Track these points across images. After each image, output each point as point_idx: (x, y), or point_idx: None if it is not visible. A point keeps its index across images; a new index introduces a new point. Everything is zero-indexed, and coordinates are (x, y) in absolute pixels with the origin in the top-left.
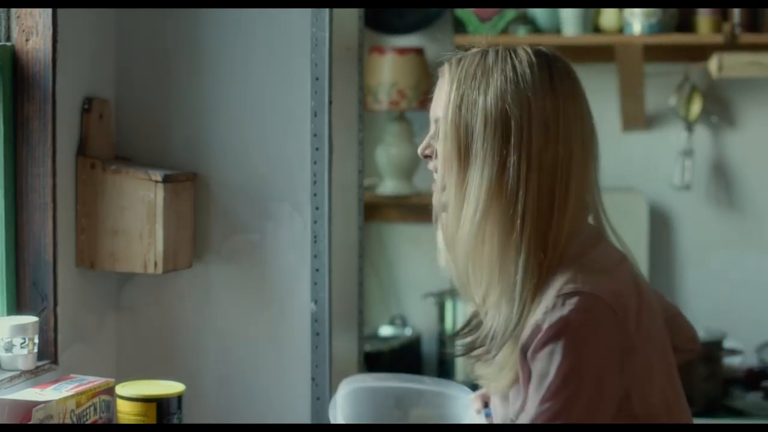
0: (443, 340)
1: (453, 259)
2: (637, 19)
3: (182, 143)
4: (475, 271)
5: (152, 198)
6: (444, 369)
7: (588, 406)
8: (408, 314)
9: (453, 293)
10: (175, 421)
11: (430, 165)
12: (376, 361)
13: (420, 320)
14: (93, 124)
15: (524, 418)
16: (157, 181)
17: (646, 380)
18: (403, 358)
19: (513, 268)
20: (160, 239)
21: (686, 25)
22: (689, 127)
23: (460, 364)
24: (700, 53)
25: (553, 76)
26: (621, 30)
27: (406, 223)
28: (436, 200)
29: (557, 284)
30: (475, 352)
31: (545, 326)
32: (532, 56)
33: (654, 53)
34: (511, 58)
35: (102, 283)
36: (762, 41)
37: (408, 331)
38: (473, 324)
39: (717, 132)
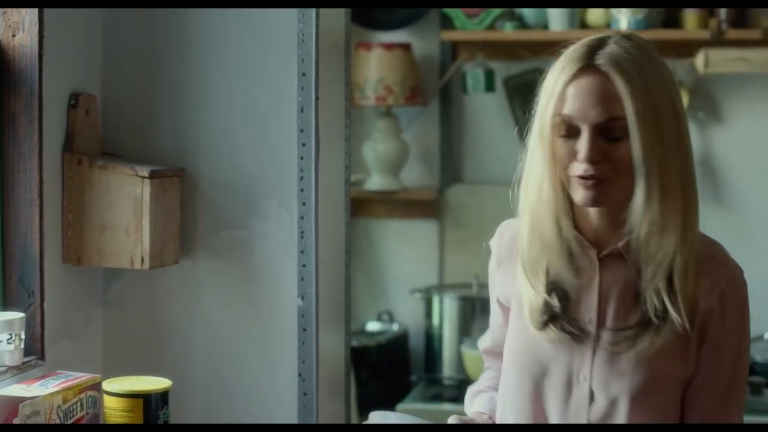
0: (430, 335)
1: (659, 239)
2: (623, 15)
3: (169, 139)
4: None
5: (139, 194)
6: (431, 365)
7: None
8: (395, 310)
9: (440, 288)
10: (162, 416)
11: (596, 170)
12: (363, 356)
13: (407, 316)
14: (80, 120)
15: (726, 367)
16: (143, 177)
17: None
18: (390, 353)
19: (689, 246)
20: (146, 235)
21: (673, 21)
22: None
23: (447, 359)
24: (686, 49)
25: (666, 64)
26: (608, 26)
27: (393, 218)
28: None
29: (713, 253)
30: (628, 333)
31: (733, 296)
32: (650, 46)
33: None
34: (644, 49)
35: (89, 279)
36: (748, 37)
37: (395, 327)
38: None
39: (703, 128)
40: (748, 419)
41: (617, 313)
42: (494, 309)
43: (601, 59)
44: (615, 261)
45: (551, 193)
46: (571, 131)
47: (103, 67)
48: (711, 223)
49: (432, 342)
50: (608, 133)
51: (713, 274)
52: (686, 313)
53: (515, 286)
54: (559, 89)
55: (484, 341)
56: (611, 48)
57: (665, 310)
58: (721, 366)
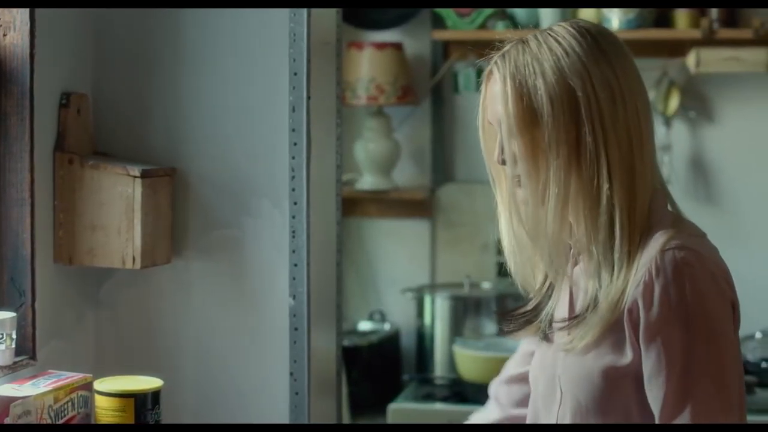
0: (422, 334)
1: (541, 247)
2: (615, 14)
3: (161, 138)
4: (560, 249)
5: (130, 193)
6: (422, 364)
7: (732, 343)
8: (387, 309)
9: (432, 288)
10: (154, 416)
11: (509, 170)
12: (354, 356)
13: (398, 315)
14: (71, 119)
15: (677, 366)
16: (135, 177)
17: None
18: (382, 353)
19: (607, 234)
20: (138, 234)
21: (664, 20)
22: (667, 122)
23: (439, 359)
24: (678, 48)
25: (598, 41)
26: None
27: (384, 218)
28: (515, 197)
29: (657, 242)
30: (560, 325)
31: (660, 283)
32: (571, 29)
33: (632, 48)
34: (553, 36)
35: (80, 279)
36: (740, 36)
37: (386, 326)
38: (533, 305)
39: (695, 127)
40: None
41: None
42: None
43: (498, 62)
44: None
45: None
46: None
47: (94, 67)
48: (702, 221)
49: (424, 341)
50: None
51: (645, 260)
52: (612, 301)
53: None
54: (482, 96)
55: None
56: (513, 50)
57: (596, 299)
58: (663, 355)
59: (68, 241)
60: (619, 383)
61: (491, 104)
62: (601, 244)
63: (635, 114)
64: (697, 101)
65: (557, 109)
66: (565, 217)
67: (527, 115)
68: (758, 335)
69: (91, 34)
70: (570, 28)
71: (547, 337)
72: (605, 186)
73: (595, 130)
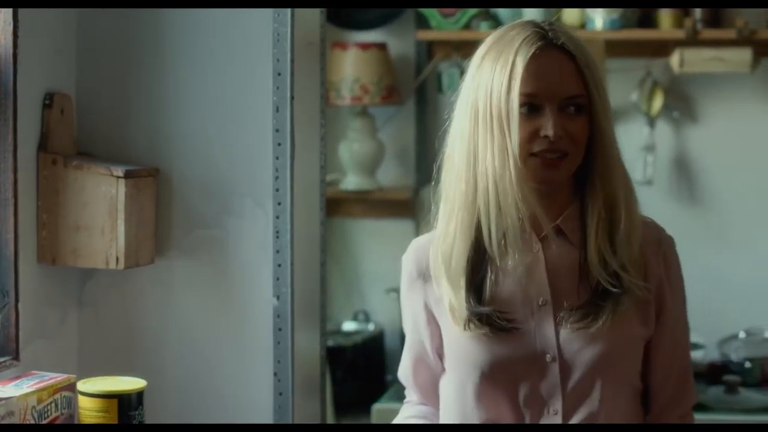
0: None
1: (611, 210)
2: (598, 15)
3: (144, 139)
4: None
5: (114, 193)
6: None
7: None
8: (371, 309)
9: None
10: (137, 417)
11: (560, 144)
12: (338, 356)
13: (383, 315)
14: (54, 120)
15: (681, 324)
16: (118, 177)
17: None
18: (366, 353)
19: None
20: (121, 235)
21: (648, 20)
22: (651, 122)
23: None
24: (661, 49)
25: None
26: (583, 25)
27: (368, 218)
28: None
29: (654, 228)
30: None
31: (673, 265)
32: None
33: (616, 48)
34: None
35: (63, 279)
36: (723, 37)
37: (371, 327)
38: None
39: (678, 127)
40: (725, 418)
41: (570, 289)
42: (424, 333)
43: (561, 38)
44: (555, 239)
45: (508, 176)
46: (532, 109)
47: (77, 67)
48: (686, 222)
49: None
50: (567, 110)
51: (652, 237)
52: (640, 276)
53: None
54: (520, 69)
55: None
56: (563, 29)
57: (618, 277)
58: (676, 329)
59: (51, 242)
60: (635, 350)
61: (554, 76)
62: (629, 216)
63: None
64: (681, 101)
65: (604, 95)
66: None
67: (605, 94)
68: (742, 335)
69: (75, 34)
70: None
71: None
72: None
73: (611, 125)
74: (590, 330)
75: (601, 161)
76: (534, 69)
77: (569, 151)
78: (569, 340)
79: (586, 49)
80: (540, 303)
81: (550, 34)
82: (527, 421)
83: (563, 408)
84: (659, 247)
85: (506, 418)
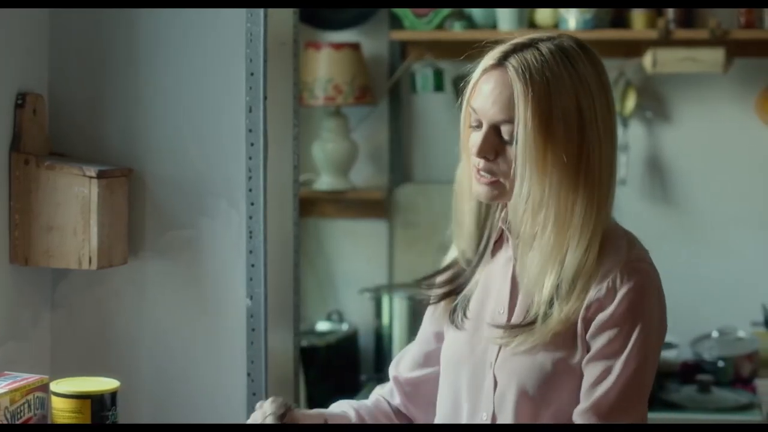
0: (380, 334)
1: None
2: (572, 15)
3: (117, 139)
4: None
5: (86, 194)
6: (380, 364)
7: (654, 365)
8: (344, 310)
9: (389, 288)
10: (110, 417)
11: (484, 165)
12: (312, 356)
13: (356, 315)
14: (27, 120)
15: (616, 372)
16: (91, 177)
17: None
18: (340, 353)
19: (583, 249)
20: (94, 235)
21: (621, 20)
22: (624, 122)
23: None
24: (634, 49)
25: (592, 55)
26: (556, 25)
27: (342, 218)
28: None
29: (619, 256)
30: (508, 332)
31: (621, 293)
32: (580, 51)
33: None
34: (566, 55)
35: (36, 280)
36: (696, 37)
37: (344, 327)
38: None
39: (652, 127)
40: (698, 417)
41: (513, 304)
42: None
43: (512, 62)
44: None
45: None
46: (478, 124)
47: (50, 67)
48: (659, 221)
49: (382, 341)
50: (502, 134)
51: (607, 267)
52: (567, 317)
53: None
54: (473, 81)
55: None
56: (528, 53)
57: (546, 313)
58: (605, 348)
59: (24, 242)
60: (569, 375)
61: (491, 96)
62: (576, 257)
63: (612, 142)
64: (654, 101)
65: (569, 127)
66: (557, 227)
67: (543, 125)
68: (715, 334)
69: (47, 34)
70: (578, 50)
71: (456, 325)
72: (584, 203)
73: (593, 148)
74: (507, 347)
75: (517, 193)
76: (479, 86)
77: (499, 175)
78: (503, 356)
79: (543, 80)
80: (499, 312)
81: (512, 56)
82: (464, 413)
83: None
84: (606, 277)
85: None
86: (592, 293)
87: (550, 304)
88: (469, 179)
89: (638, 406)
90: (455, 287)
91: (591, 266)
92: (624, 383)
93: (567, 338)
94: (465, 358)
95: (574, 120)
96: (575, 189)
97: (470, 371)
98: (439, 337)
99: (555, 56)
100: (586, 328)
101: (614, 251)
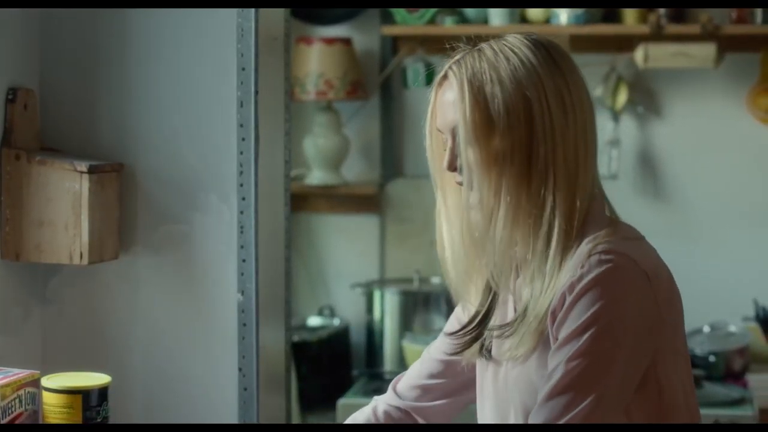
0: (371, 329)
1: (488, 255)
2: (563, 10)
3: (108, 134)
4: (506, 258)
5: (78, 189)
6: (372, 359)
7: (618, 364)
8: (336, 304)
9: (381, 283)
10: (102, 413)
11: (465, 177)
12: (304, 351)
13: (348, 310)
14: (18, 115)
15: (555, 376)
16: (82, 172)
17: (671, 359)
18: (331, 348)
19: (545, 243)
20: (85, 230)
21: (612, 15)
22: (615, 117)
23: (388, 354)
24: (626, 44)
25: (552, 54)
26: (548, 20)
27: (334, 213)
28: (467, 203)
29: (586, 247)
30: (496, 333)
31: (580, 285)
32: (526, 41)
33: (580, 43)
34: (508, 46)
35: (27, 275)
36: (687, 32)
37: (336, 322)
38: (478, 320)
39: (643, 122)
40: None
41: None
42: None
43: (453, 69)
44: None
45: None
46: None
47: (41, 62)
48: (650, 216)
49: (373, 337)
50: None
51: (572, 264)
52: (540, 311)
53: None
54: (430, 105)
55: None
56: (469, 56)
57: (525, 309)
58: (560, 342)
59: (15, 237)
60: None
61: (443, 111)
62: (538, 254)
63: (583, 127)
64: (645, 96)
65: (513, 119)
66: (514, 226)
67: (484, 122)
68: (706, 329)
69: (38, 29)
70: (525, 40)
71: (490, 354)
72: (549, 197)
73: (547, 142)
74: (508, 357)
75: (465, 194)
76: (436, 108)
77: (472, 180)
78: (508, 377)
79: (480, 77)
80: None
81: (452, 66)
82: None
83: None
84: (569, 279)
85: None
86: (559, 286)
87: (526, 307)
88: (461, 216)
89: (584, 406)
90: (480, 329)
91: (556, 260)
92: (566, 383)
93: (547, 345)
94: (491, 395)
95: (521, 112)
96: (528, 183)
97: (493, 410)
98: (446, 365)
99: (498, 53)
100: (554, 330)
101: (583, 245)
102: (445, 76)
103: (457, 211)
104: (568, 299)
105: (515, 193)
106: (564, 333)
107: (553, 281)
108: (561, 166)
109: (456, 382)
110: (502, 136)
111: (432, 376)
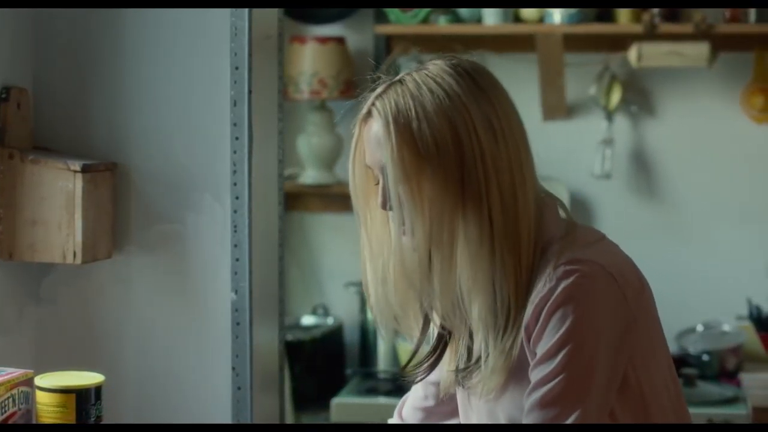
0: (365, 328)
1: (426, 296)
2: (557, 9)
3: (102, 133)
4: (449, 294)
5: (71, 188)
6: (366, 358)
7: (599, 374)
8: (330, 304)
9: None
10: (95, 412)
11: (396, 215)
12: (297, 350)
13: (342, 309)
14: (11, 114)
15: (537, 395)
16: (75, 171)
17: (648, 353)
18: (325, 347)
19: (490, 276)
20: (79, 229)
21: (606, 14)
22: (609, 116)
23: (382, 353)
24: (619, 43)
25: (476, 79)
26: (541, 19)
27: (327, 212)
28: (405, 243)
29: (551, 260)
30: (461, 374)
31: (551, 300)
32: (447, 68)
33: (574, 43)
34: (431, 77)
35: (21, 275)
36: (681, 31)
37: (330, 321)
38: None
39: (636, 121)
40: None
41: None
42: None
43: (377, 105)
44: None
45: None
46: (377, 181)
47: (34, 61)
48: (644, 216)
49: (367, 336)
50: None
51: (540, 284)
52: (504, 349)
53: None
54: (354, 138)
55: None
56: (392, 90)
57: (487, 347)
58: (538, 359)
59: (8, 237)
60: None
61: (371, 148)
62: (484, 286)
63: (516, 150)
64: (639, 95)
65: (443, 153)
66: (453, 263)
67: (413, 160)
68: (700, 328)
69: (31, 27)
70: (446, 68)
71: (462, 384)
72: (487, 228)
73: (479, 171)
74: (482, 396)
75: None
76: (357, 137)
77: (405, 218)
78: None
79: (404, 112)
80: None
81: (375, 101)
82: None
83: None
84: (536, 298)
85: None
86: (527, 313)
87: (487, 340)
88: (394, 256)
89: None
90: (437, 356)
91: (515, 291)
92: (549, 400)
93: (525, 366)
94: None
95: (450, 145)
96: (463, 215)
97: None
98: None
99: (421, 85)
100: (528, 338)
101: (545, 260)
102: (369, 113)
103: (383, 246)
104: (542, 315)
105: (451, 228)
106: (541, 350)
107: (510, 315)
108: (495, 196)
109: (455, 403)
110: (433, 172)
111: (431, 398)
